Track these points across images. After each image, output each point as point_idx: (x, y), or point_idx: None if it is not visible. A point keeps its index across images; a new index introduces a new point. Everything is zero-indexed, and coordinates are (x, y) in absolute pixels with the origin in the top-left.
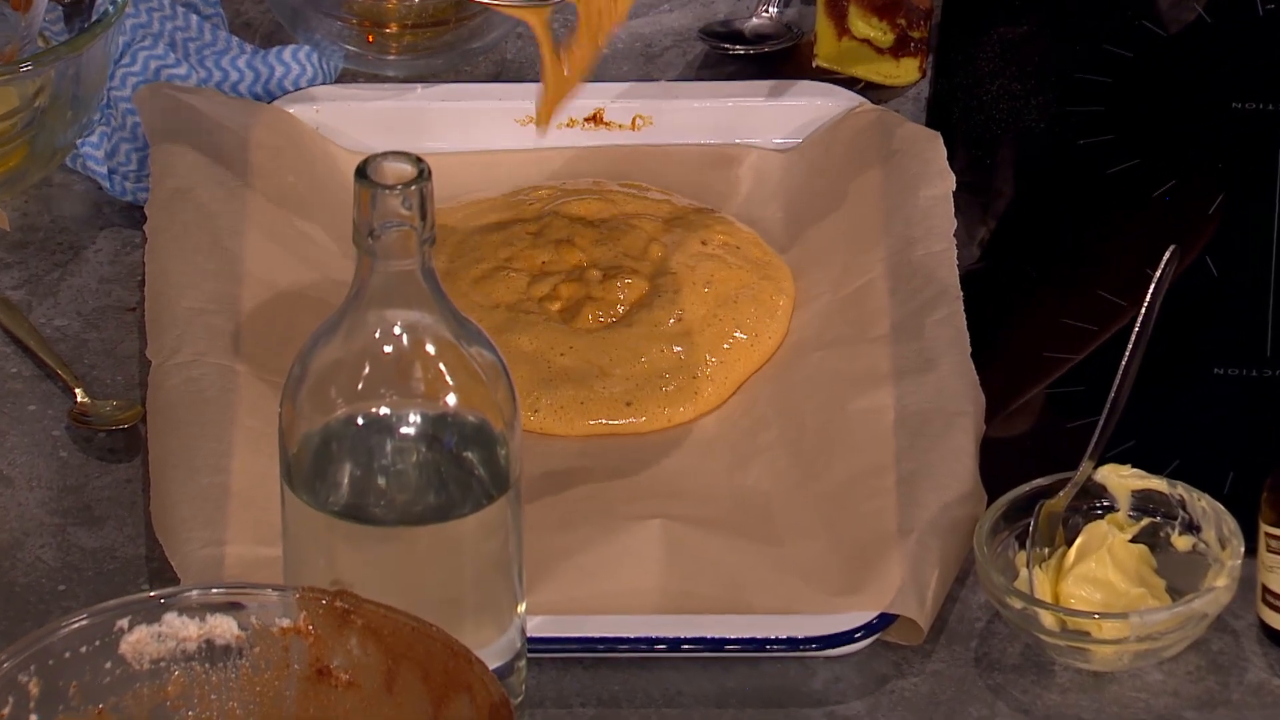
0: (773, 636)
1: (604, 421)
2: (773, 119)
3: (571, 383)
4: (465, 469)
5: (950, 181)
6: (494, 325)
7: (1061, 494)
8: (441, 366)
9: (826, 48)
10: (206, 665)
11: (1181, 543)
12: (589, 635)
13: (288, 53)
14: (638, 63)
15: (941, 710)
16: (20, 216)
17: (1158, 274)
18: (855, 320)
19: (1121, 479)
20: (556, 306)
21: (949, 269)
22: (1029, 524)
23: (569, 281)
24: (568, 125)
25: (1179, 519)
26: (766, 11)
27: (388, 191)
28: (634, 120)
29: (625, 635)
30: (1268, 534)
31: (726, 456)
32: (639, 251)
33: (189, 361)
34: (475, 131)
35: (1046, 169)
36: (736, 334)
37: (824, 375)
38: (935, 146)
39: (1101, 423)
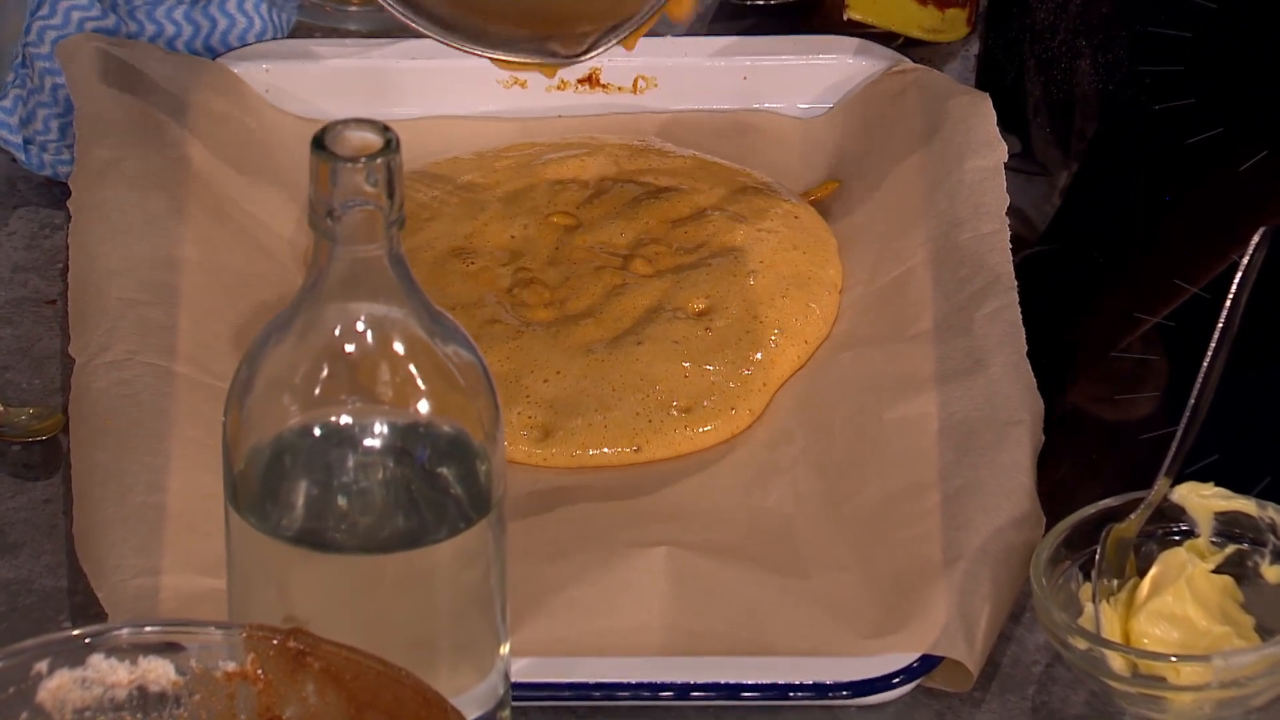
0: (797, 682)
1: (604, 451)
2: (797, 81)
3: (559, 417)
4: (439, 488)
5: (1002, 152)
6: None
7: (1133, 517)
8: (412, 368)
9: None
10: (139, 716)
11: (1272, 573)
12: (583, 680)
13: (233, 2)
14: None
15: None
16: None
17: (1245, 260)
18: (893, 315)
19: (1203, 499)
20: (540, 312)
21: (1001, 254)
22: (1095, 552)
23: (554, 274)
24: (558, 88)
25: (1269, 546)
26: None
27: (349, 165)
28: (635, 82)
29: (625, 680)
30: None
31: (742, 474)
32: (655, 229)
33: (119, 361)
34: (450, 95)
35: (1115, 139)
36: (773, 336)
37: (856, 379)
38: (984, 112)
39: (1180, 434)
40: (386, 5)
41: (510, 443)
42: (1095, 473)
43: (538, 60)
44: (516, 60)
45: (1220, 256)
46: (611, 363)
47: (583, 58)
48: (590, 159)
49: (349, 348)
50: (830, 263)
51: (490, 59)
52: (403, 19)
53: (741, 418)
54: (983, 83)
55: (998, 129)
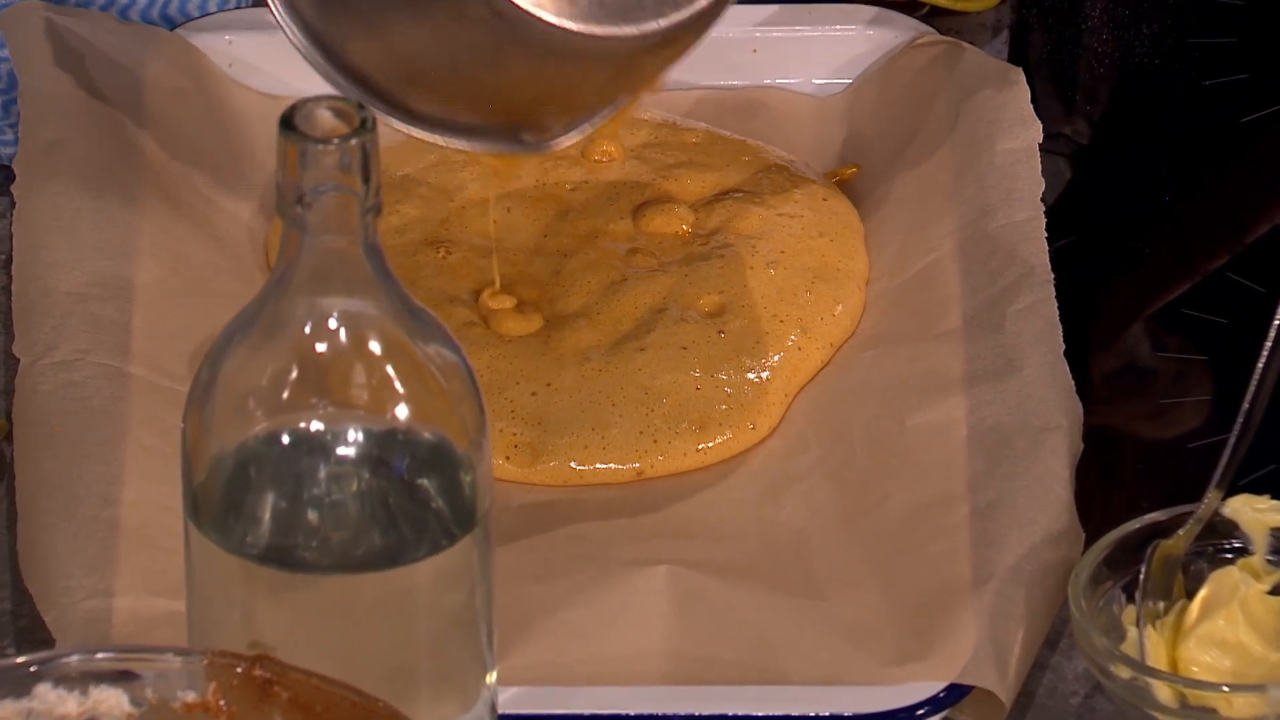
0: (812, 714)
1: (598, 470)
2: (811, 54)
3: (548, 436)
4: (420, 501)
5: (1036, 132)
6: None
7: (1181, 533)
8: (389, 370)
9: None
10: None
11: None
12: (577, 712)
13: None
14: None
15: None
16: None
17: None
18: (917, 311)
19: (1257, 513)
20: (526, 314)
21: (1035, 244)
22: (1139, 571)
23: (542, 267)
24: None
25: None
26: None
27: (321, 147)
28: None
29: (624, 712)
30: None
31: (752, 485)
32: (660, 214)
33: (68, 361)
34: None
35: (1162, 118)
36: (791, 338)
37: (878, 381)
38: (1017, 88)
39: (1232, 442)
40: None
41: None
42: (1139, 484)
43: (506, 149)
44: (483, 151)
45: (1276, 248)
46: (610, 373)
47: (553, 144)
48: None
49: (320, 347)
50: (858, 253)
51: (456, 148)
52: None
53: (757, 431)
54: (1015, 56)
55: (1031, 106)
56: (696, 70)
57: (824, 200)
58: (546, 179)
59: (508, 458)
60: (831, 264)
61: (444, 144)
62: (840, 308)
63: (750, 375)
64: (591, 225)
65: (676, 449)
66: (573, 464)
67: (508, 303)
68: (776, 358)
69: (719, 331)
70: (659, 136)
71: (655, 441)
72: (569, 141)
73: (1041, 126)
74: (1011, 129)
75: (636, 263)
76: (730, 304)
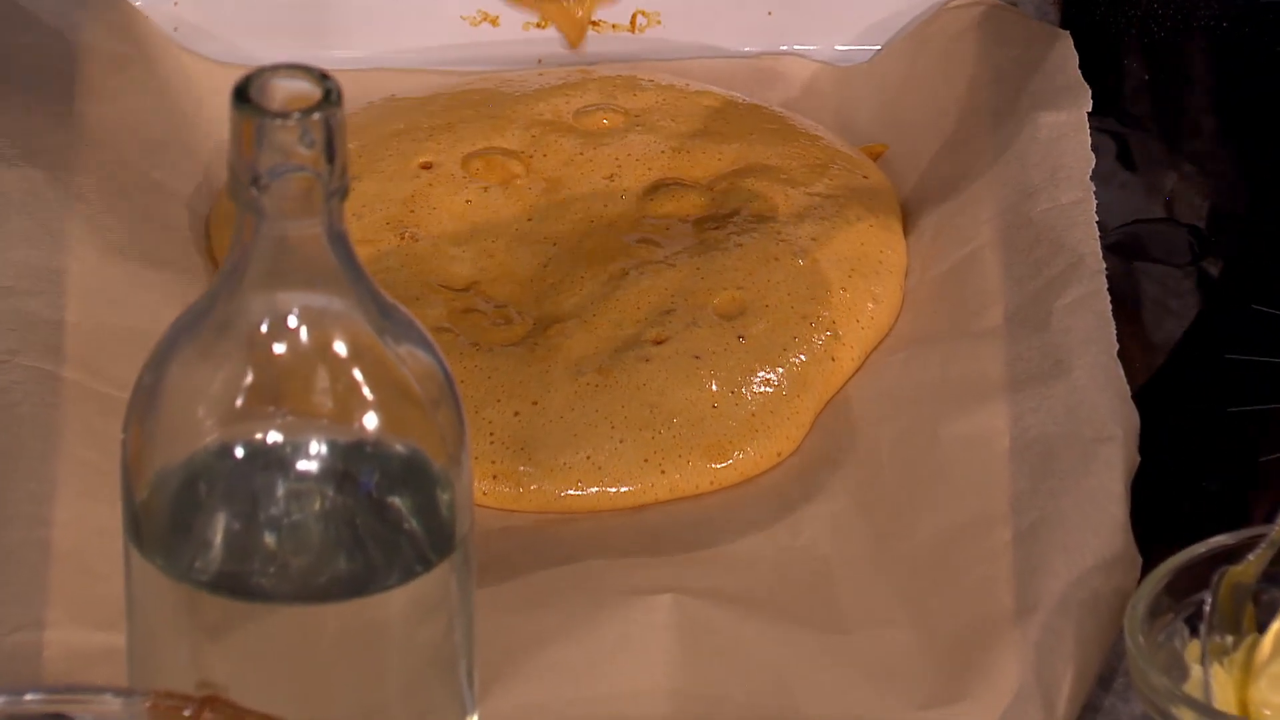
0: None
1: (592, 495)
2: (833, 17)
3: (535, 463)
4: (391, 522)
5: (1084, 100)
6: None
7: (1251, 558)
8: (357, 374)
9: None
10: None
11: None
12: None
13: None
14: None
15: None
16: None
17: None
18: (953, 308)
19: None
20: (508, 316)
21: (1085, 230)
22: (1204, 602)
23: (527, 258)
24: (537, 26)
25: None
26: None
27: (279, 122)
28: (634, 19)
29: None
30: None
31: (768, 505)
32: (667, 193)
33: None
34: (402, 36)
35: (1231, 87)
36: (820, 340)
37: (909, 387)
38: (1065, 55)
39: None
40: None
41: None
42: (1204, 503)
43: None
44: None
45: None
46: (609, 389)
47: None
48: (575, 96)
49: (278, 348)
50: (900, 242)
51: None
52: None
53: (775, 445)
54: (1066, 20)
55: (1079, 74)
56: (703, 34)
57: (865, 178)
58: (532, 150)
59: (484, 493)
60: (873, 254)
61: None
62: (877, 306)
63: (775, 389)
64: (586, 207)
65: (687, 477)
66: (563, 494)
67: (484, 303)
68: (805, 367)
69: (738, 336)
70: (667, 100)
71: (663, 472)
72: None
73: (1089, 93)
74: (1056, 98)
75: (640, 253)
76: (751, 303)
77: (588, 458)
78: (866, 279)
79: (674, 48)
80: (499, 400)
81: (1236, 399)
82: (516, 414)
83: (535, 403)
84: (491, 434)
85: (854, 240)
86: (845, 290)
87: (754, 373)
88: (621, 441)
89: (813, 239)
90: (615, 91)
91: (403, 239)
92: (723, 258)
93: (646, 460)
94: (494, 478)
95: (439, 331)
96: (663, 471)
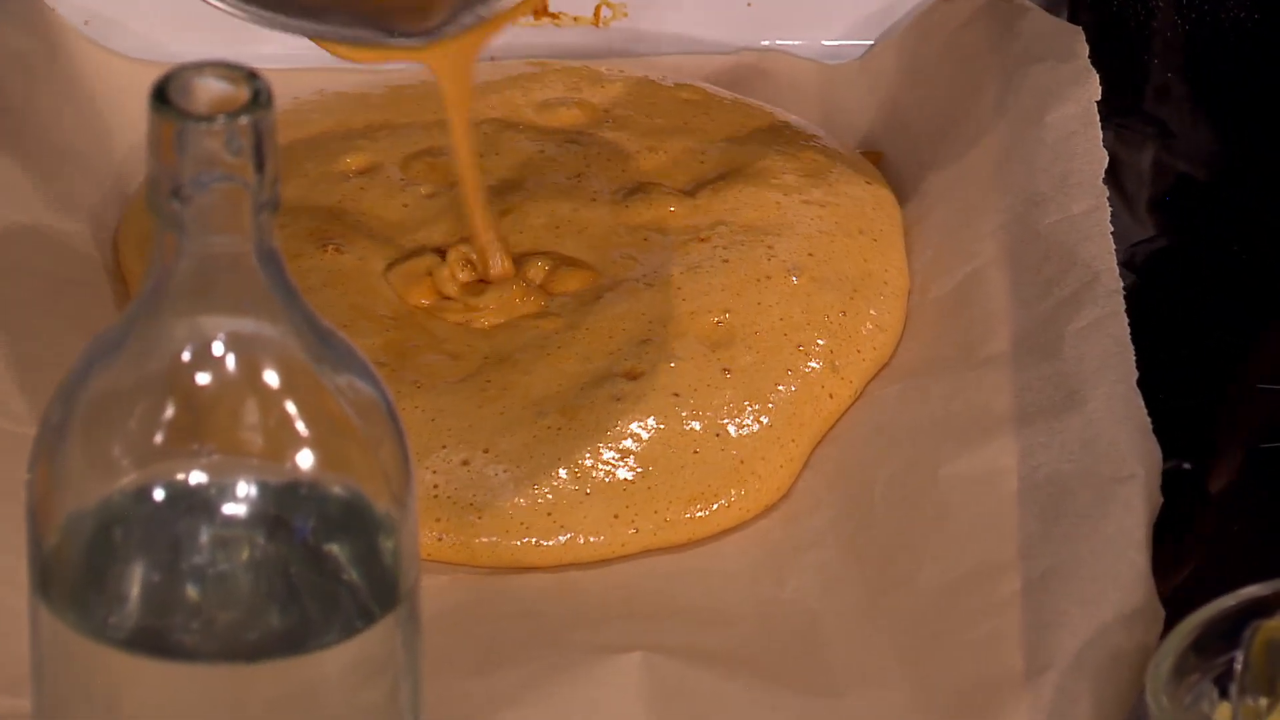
0: None
1: (558, 542)
2: (820, 10)
3: (485, 520)
4: (329, 572)
5: (1092, 88)
6: None
7: None
8: (291, 407)
9: None
10: None
11: None
12: None
13: None
14: None
15: None
16: None
17: None
18: (955, 333)
19: None
20: (453, 363)
21: (1099, 243)
22: (1235, 660)
23: (472, 277)
24: None
25: None
26: None
27: (204, 125)
28: (598, 11)
29: None
30: None
31: (750, 554)
32: (640, 201)
33: None
34: None
35: (1258, 85)
36: (813, 367)
37: (905, 422)
38: (1074, 48)
39: None
40: None
41: None
42: (1233, 550)
43: (377, 44)
44: (350, 48)
45: None
46: (573, 433)
47: (434, 35)
48: (533, 88)
49: (203, 379)
50: (902, 259)
51: (319, 44)
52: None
53: (765, 496)
54: (1076, 11)
55: (1089, 62)
56: (674, 28)
57: (867, 184)
58: (484, 149)
59: (426, 554)
60: (877, 273)
61: (284, 29)
62: (881, 333)
63: (764, 430)
64: (547, 215)
65: (662, 533)
66: (517, 553)
67: (426, 332)
68: (799, 404)
69: (723, 370)
70: (640, 93)
71: (635, 530)
72: (455, 33)
73: (1097, 80)
74: (1062, 91)
75: (612, 270)
76: (739, 330)
77: (549, 515)
78: (870, 301)
79: (642, 43)
80: (444, 447)
81: (1270, 434)
82: (465, 463)
83: (487, 450)
84: (436, 487)
85: (856, 256)
86: (846, 314)
87: (741, 412)
88: (588, 494)
89: (809, 254)
90: (580, 83)
91: (326, 252)
92: (707, 277)
93: (617, 516)
94: (439, 539)
95: (377, 361)
96: (635, 530)
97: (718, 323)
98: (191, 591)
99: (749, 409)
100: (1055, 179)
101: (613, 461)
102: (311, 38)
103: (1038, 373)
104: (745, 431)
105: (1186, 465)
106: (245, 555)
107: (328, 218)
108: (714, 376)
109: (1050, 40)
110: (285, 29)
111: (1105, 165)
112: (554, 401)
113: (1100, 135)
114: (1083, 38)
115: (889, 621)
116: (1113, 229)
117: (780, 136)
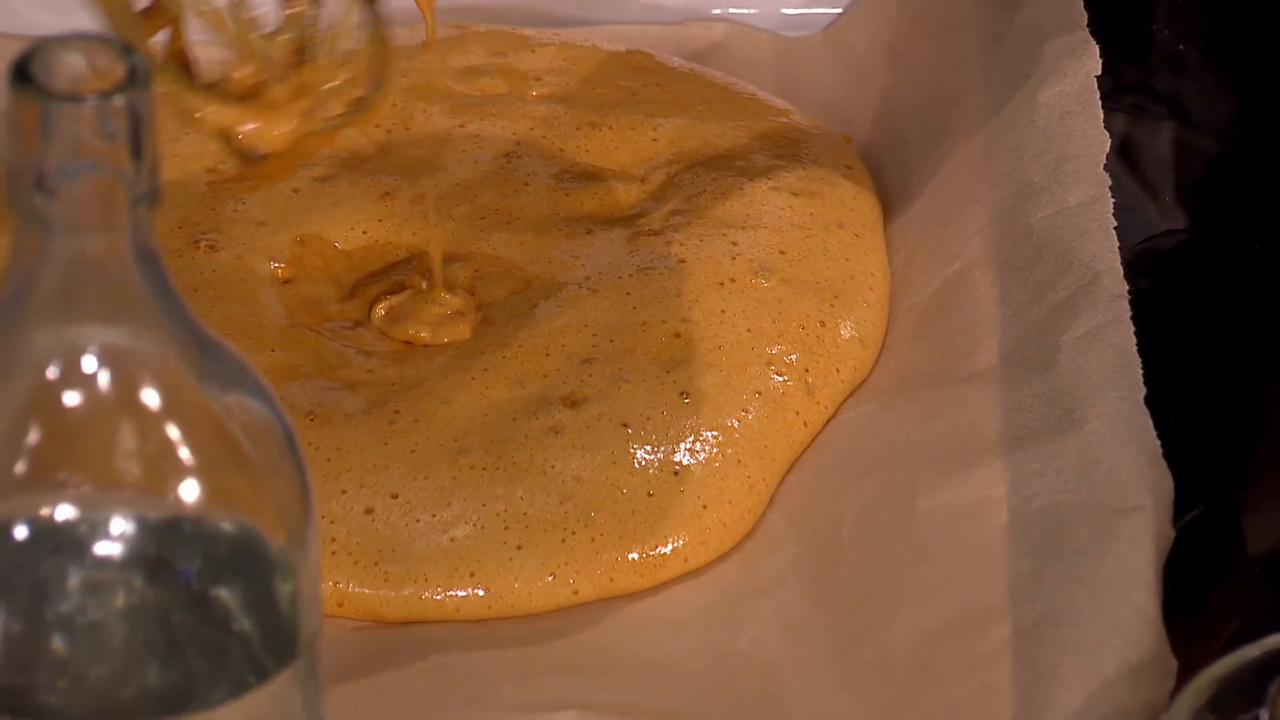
0: None
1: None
2: None
3: (400, 570)
4: (217, 621)
5: (1090, 61)
6: None
7: None
8: (172, 431)
9: None
10: None
11: None
12: None
13: None
14: None
15: None
16: None
17: None
18: (936, 344)
19: None
20: (363, 391)
21: (1100, 239)
22: (1258, 718)
23: (386, 289)
24: None
25: None
26: None
27: (71, 107)
28: None
29: None
30: None
31: (701, 599)
32: (579, 193)
33: None
34: None
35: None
36: (784, 385)
37: (878, 448)
38: (1070, 15)
39: None
40: None
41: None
42: (1258, 593)
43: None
44: None
45: None
46: (503, 474)
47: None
48: (452, 54)
49: (71, 399)
50: (884, 259)
51: None
52: None
53: (727, 542)
54: None
55: (1086, 31)
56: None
57: (848, 169)
58: (391, 123)
59: (327, 615)
60: (861, 274)
61: None
62: (862, 347)
63: (727, 463)
64: (473, 205)
65: (605, 589)
66: (435, 605)
67: (318, 351)
68: (768, 432)
69: (680, 393)
70: (575, 60)
71: (575, 591)
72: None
73: (1096, 51)
74: (1055, 65)
75: (550, 272)
76: (699, 344)
77: (471, 575)
78: (851, 309)
79: (573, 9)
80: (344, 493)
81: None
82: (369, 512)
83: (395, 496)
84: (334, 540)
85: (837, 255)
86: (825, 325)
87: (702, 445)
88: (519, 549)
89: (781, 252)
90: (505, 48)
91: (198, 249)
92: (660, 280)
93: (554, 576)
94: (340, 604)
95: (272, 375)
96: (575, 591)
97: (673, 335)
98: (58, 644)
99: (710, 440)
100: (1047, 166)
101: (548, 508)
102: None
103: (1030, 389)
104: (705, 467)
105: (1200, 499)
106: (120, 602)
107: (199, 208)
108: (670, 400)
109: (1043, 6)
110: None
111: (1106, 149)
112: (477, 436)
113: (1100, 115)
114: (1080, 3)
115: (859, 677)
116: (1116, 223)
117: (746, 111)
